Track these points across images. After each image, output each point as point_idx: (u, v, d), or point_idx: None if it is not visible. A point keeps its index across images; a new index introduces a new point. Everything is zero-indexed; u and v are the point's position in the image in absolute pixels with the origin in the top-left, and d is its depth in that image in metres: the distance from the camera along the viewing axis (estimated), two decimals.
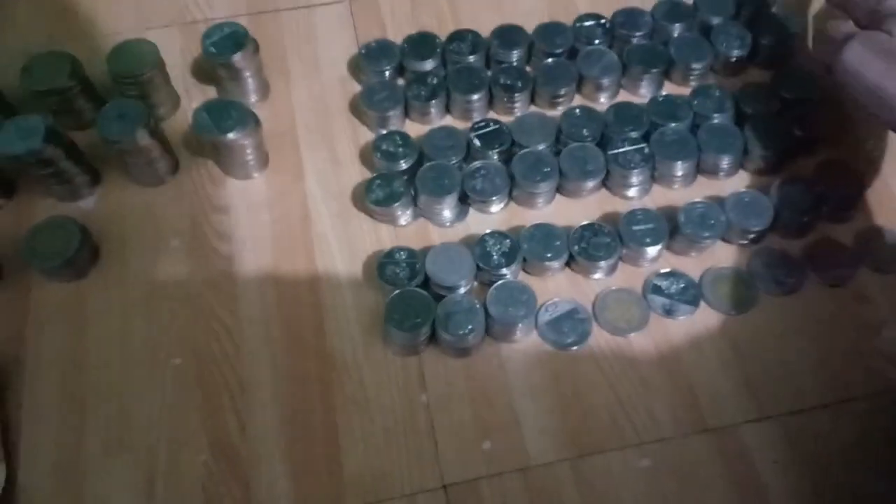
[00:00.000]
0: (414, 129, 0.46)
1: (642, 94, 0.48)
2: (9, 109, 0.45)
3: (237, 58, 0.45)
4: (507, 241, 0.41)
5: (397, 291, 0.39)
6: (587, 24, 0.49)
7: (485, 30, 0.49)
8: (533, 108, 0.47)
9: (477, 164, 0.43)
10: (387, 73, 0.47)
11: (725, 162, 0.44)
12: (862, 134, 0.46)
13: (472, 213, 0.44)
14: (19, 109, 0.45)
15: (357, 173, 0.45)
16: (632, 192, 0.44)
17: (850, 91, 0.37)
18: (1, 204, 0.44)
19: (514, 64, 0.48)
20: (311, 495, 0.36)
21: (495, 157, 0.44)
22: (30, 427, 0.37)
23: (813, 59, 0.46)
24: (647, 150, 0.43)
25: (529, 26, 0.49)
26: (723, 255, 0.42)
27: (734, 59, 0.48)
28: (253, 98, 0.47)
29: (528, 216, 0.43)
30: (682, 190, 0.44)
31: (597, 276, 0.41)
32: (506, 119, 0.46)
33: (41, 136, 0.40)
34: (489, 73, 0.47)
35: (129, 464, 0.37)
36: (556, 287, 0.41)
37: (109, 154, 0.44)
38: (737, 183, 0.45)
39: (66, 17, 0.51)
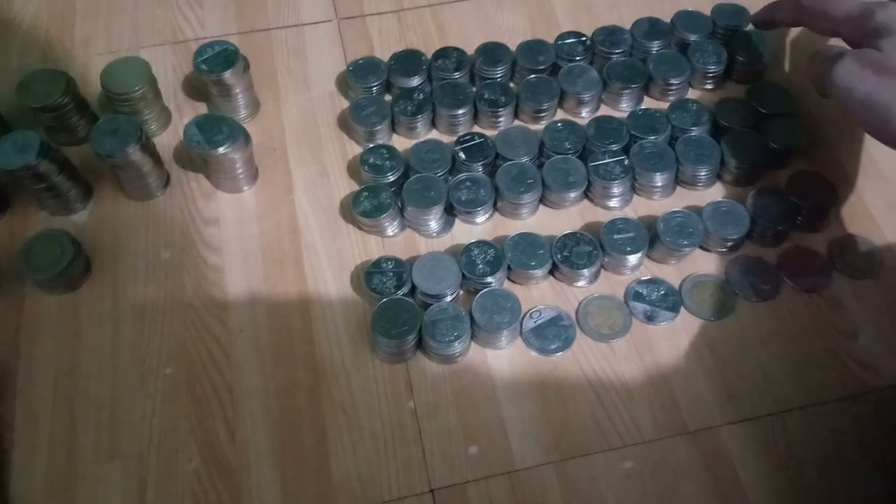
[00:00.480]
0: (400, 142, 0.47)
1: (622, 109, 0.49)
2: (4, 125, 0.46)
3: (228, 75, 0.46)
4: (492, 250, 0.42)
5: (384, 300, 0.40)
6: (569, 41, 0.50)
7: (469, 48, 0.50)
8: (516, 123, 0.49)
9: (462, 176, 0.44)
10: (374, 89, 0.49)
11: (703, 173, 0.45)
12: (834, 146, 0.48)
13: (458, 223, 0.45)
14: (14, 125, 0.46)
15: (345, 186, 0.46)
16: (613, 203, 0.45)
17: (844, 108, 0.38)
18: None
19: (498, 80, 0.49)
20: (300, 501, 0.36)
21: (480, 169, 0.45)
22: (22, 436, 0.38)
23: (783, 77, 0.47)
24: (627, 162, 0.45)
25: (512, 44, 0.50)
26: (702, 263, 0.43)
27: (711, 75, 0.50)
28: (243, 114, 0.48)
29: (513, 226, 0.44)
30: (662, 200, 0.46)
31: (580, 283, 0.42)
32: (490, 133, 0.47)
33: (36, 151, 0.41)
34: (474, 88, 0.48)
35: (121, 471, 0.37)
36: (540, 295, 0.42)
37: (102, 169, 0.45)
38: (714, 193, 0.46)
39: (61, 35, 0.52)
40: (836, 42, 0.43)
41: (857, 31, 0.40)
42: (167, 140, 0.48)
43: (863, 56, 0.38)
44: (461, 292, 0.42)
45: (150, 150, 0.44)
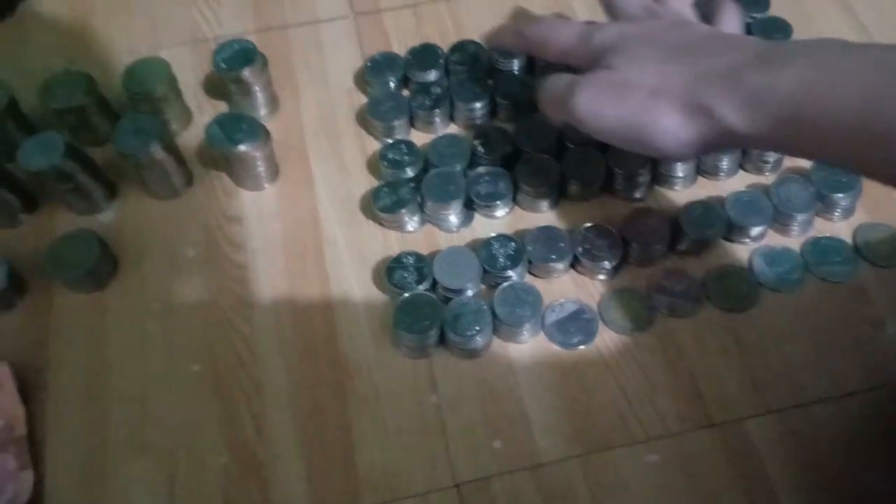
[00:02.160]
0: (419, 137, 0.47)
1: None
2: (29, 127, 0.47)
3: (247, 72, 0.46)
4: (513, 243, 0.42)
5: (406, 295, 0.40)
6: None
7: None
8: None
9: (481, 170, 0.44)
10: (392, 85, 0.49)
11: (725, 163, 0.45)
12: None
13: (478, 217, 0.45)
14: (39, 127, 0.47)
15: (365, 182, 0.46)
16: (634, 194, 0.45)
17: (598, 136, 0.36)
18: (22, 218, 0.46)
19: (515, 73, 0.49)
20: (326, 495, 0.37)
21: (499, 162, 0.45)
22: (54, 433, 0.39)
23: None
24: None
25: None
26: (725, 254, 0.43)
27: None
28: (263, 112, 0.49)
29: (533, 220, 0.44)
30: (684, 190, 0.45)
31: (601, 276, 0.42)
32: (508, 126, 0.47)
33: (61, 152, 0.42)
34: (491, 82, 0.48)
35: (151, 467, 0.38)
36: (562, 288, 0.42)
37: (126, 168, 0.46)
38: (736, 183, 0.45)
39: (82, 37, 0.53)
40: None
41: (581, 57, 0.38)
42: (189, 139, 0.49)
43: (596, 79, 0.36)
44: (482, 287, 0.42)
45: (172, 148, 0.44)
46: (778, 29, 0.49)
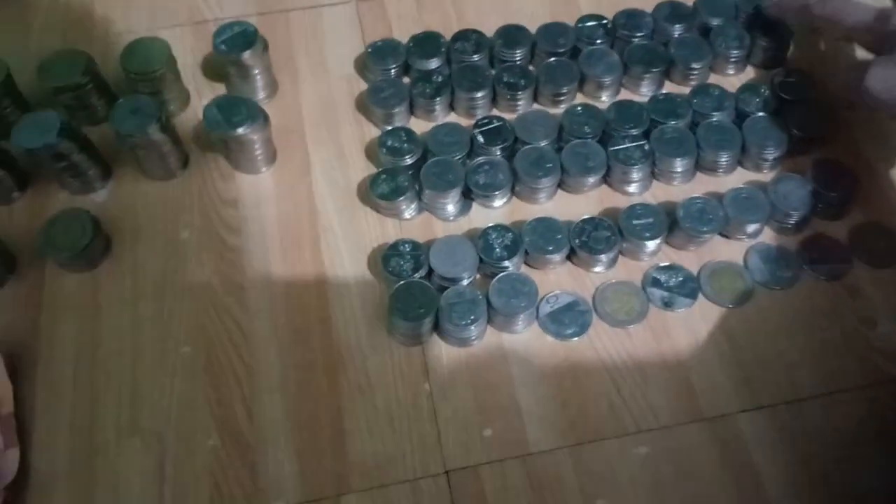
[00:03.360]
0: (419, 125, 0.47)
1: (643, 93, 0.49)
2: (25, 105, 0.47)
3: (247, 55, 0.46)
4: (510, 234, 0.42)
5: (402, 282, 0.40)
6: (589, 24, 0.50)
7: (489, 30, 0.50)
8: (536, 106, 0.48)
9: (480, 159, 0.44)
10: (393, 72, 0.48)
11: (724, 159, 0.45)
12: (857, 133, 0.47)
13: (476, 207, 0.45)
14: (35, 105, 0.47)
15: (363, 168, 0.46)
16: (632, 188, 0.45)
17: (886, 112, 0.39)
18: (16, 196, 0.45)
19: (518, 63, 0.49)
20: (315, 480, 0.37)
21: (498, 153, 0.45)
22: (44, 413, 0.39)
23: (806, 63, 0.46)
24: (647, 147, 0.44)
25: (532, 27, 0.50)
26: (721, 250, 0.43)
27: (733, 60, 0.49)
28: (261, 95, 0.48)
29: (530, 211, 0.44)
30: (682, 186, 0.45)
31: (597, 269, 0.42)
32: (509, 116, 0.47)
33: (56, 130, 0.41)
34: (493, 71, 0.48)
35: (141, 448, 0.38)
36: (557, 280, 0.42)
37: (122, 148, 0.46)
38: (735, 180, 0.45)
39: (81, 16, 0.53)
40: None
41: (873, 36, 0.40)
42: (186, 121, 0.48)
43: (891, 60, 0.38)
44: (478, 276, 0.42)
45: (169, 130, 0.44)
46: (782, 26, 0.49)
